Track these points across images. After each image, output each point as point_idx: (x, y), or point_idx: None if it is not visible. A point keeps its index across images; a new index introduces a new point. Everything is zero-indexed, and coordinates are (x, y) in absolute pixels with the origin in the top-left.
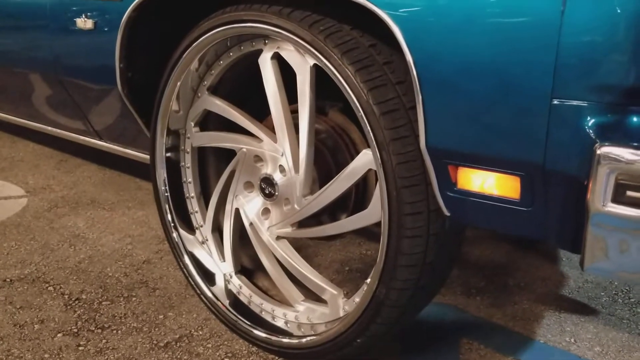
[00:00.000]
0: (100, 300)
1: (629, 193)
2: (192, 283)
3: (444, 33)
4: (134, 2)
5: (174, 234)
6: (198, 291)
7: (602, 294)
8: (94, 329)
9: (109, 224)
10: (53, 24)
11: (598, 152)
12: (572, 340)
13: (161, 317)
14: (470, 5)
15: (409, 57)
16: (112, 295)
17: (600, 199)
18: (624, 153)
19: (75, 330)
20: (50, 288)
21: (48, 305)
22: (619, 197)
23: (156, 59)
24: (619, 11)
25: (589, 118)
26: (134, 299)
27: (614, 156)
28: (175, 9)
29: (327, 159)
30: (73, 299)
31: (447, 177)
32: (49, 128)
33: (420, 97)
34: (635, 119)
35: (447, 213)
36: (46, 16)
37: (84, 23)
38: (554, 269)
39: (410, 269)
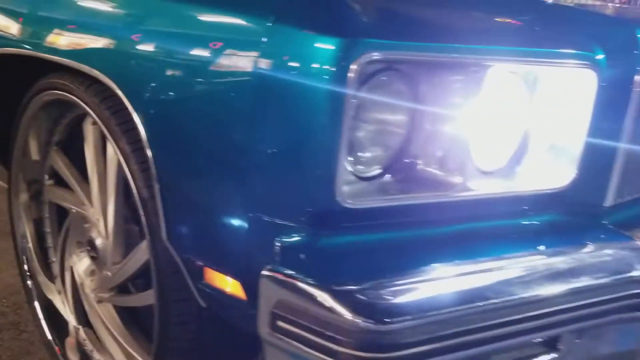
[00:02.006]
0: None
1: (279, 323)
2: (40, 330)
3: (168, 140)
4: None
5: (29, 282)
6: (42, 338)
7: None
8: None
9: None
10: None
11: (262, 272)
12: None
13: None
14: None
15: (148, 151)
16: None
17: (263, 323)
18: (281, 280)
19: None
20: None
21: None
22: (273, 325)
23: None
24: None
25: (274, 237)
26: None
27: (271, 281)
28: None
29: None
30: None
31: (194, 270)
32: None
33: (157, 188)
34: (311, 246)
35: (202, 304)
36: None
37: None
38: None
39: (180, 353)
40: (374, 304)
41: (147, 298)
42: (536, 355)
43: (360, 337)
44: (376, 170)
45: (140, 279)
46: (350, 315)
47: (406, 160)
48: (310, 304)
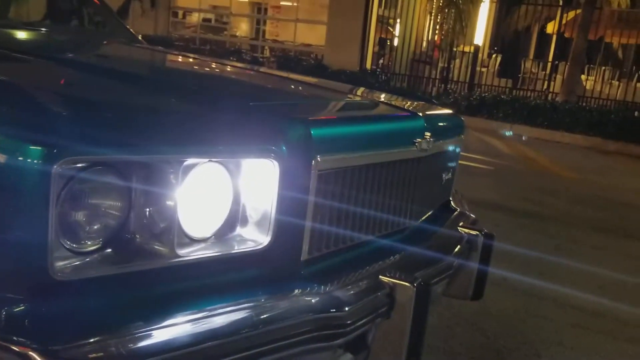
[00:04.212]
0: None
1: None
2: None
3: None
4: None
5: None
6: None
7: None
8: None
9: None
10: None
11: None
12: None
13: None
14: None
15: None
16: None
17: None
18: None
19: None
20: None
21: None
22: None
23: None
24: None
25: (2, 307)
26: None
27: None
28: None
29: None
30: None
31: None
32: None
33: None
34: (28, 315)
35: None
36: None
37: None
38: None
39: None
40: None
41: None
42: None
43: None
44: (96, 246)
45: None
46: None
47: (125, 236)
48: None
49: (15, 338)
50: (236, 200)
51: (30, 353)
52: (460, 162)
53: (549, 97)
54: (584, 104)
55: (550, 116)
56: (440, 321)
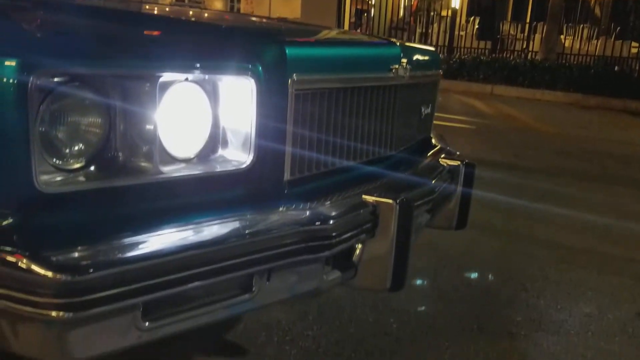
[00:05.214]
0: None
1: None
2: None
3: None
4: None
5: None
6: None
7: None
8: None
9: None
10: None
11: None
12: None
13: None
14: None
15: None
16: None
17: None
18: None
19: None
20: None
21: None
22: None
23: None
24: None
25: None
26: None
27: None
28: None
29: None
30: None
31: None
32: None
33: None
34: (19, 226)
35: None
36: None
37: None
38: None
39: None
40: (63, 264)
41: None
42: (234, 296)
43: (57, 288)
44: (79, 163)
45: None
46: (43, 273)
47: (108, 154)
48: (14, 270)
49: (7, 248)
50: (216, 121)
51: (24, 260)
52: (441, 123)
53: (529, 57)
54: (563, 62)
55: (530, 75)
56: (428, 264)
